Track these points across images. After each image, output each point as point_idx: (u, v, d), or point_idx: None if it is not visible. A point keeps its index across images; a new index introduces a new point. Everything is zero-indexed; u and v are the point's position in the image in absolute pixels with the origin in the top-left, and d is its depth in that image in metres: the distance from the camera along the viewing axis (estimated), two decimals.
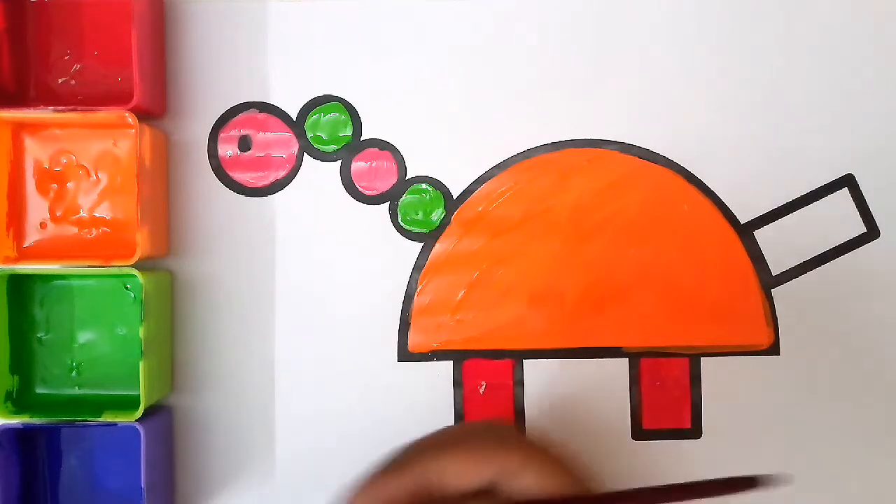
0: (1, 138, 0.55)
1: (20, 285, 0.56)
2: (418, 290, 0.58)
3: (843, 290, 0.59)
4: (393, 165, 0.59)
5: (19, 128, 0.56)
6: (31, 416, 0.54)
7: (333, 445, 0.58)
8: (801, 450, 0.59)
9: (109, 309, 0.57)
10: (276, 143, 0.58)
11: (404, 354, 0.58)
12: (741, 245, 0.59)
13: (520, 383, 0.59)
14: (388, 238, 0.58)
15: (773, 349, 0.59)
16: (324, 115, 0.58)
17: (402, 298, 0.58)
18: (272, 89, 0.58)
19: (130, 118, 0.53)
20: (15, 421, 0.54)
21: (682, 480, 0.59)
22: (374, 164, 0.59)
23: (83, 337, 0.57)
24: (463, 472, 0.43)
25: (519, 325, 0.58)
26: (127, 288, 0.57)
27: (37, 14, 0.57)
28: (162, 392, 0.56)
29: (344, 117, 0.58)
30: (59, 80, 0.57)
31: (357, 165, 0.58)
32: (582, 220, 0.59)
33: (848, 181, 0.59)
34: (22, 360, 0.56)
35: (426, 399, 0.58)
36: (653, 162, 0.59)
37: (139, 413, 0.53)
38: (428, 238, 0.59)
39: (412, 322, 0.58)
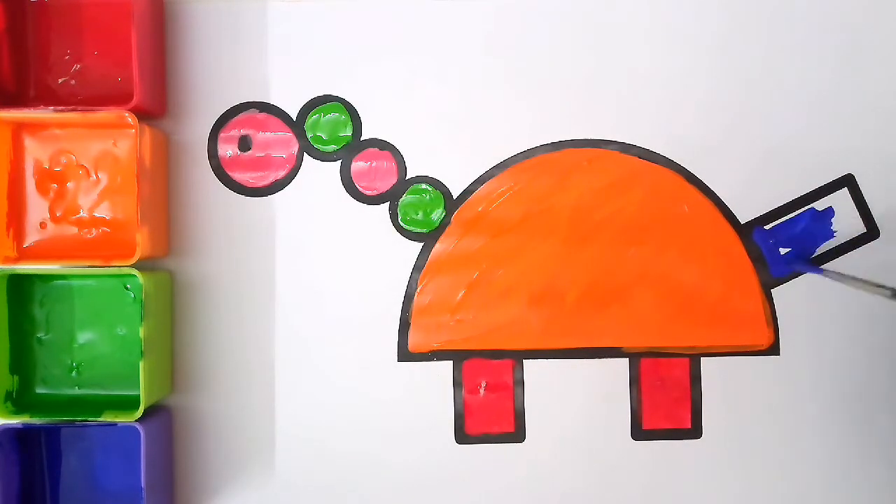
0: (1, 138, 0.55)
1: (20, 285, 0.56)
2: (418, 290, 0.58)
3: (843, 290, 0.59)
4: (393, 165, 0.59)
5: (19, 128, 0.56)
6: (31, 416, 0.54)
7: (333, 445, 0.58)
8: (800, 449, 0.59)
9: (109, 309, 0.57)
10: (276, 143, 0.58)
11: (404, 354, 0.58)
12: (741, 245, 0.59)
13: (520, 383, 0.59)
14: (388, 238, 0.58)
15: (773, 349, 0.59)
16: (324, 115, 0.58)
17: (402, 298, 0.58)
18: (272, 89, 0.58)
19: (130, 118, 0.53)
20: (15, 421, 0.54)
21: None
22: (374, 164, 0.59)
23: (83, 337, 0.57)
24: None
25: (519, 325, 0.58)
26: (127, 288, 0.57)
27: (37, 14, 0.57)
28: (162, 392, 0.56)
29: (344, 117, 0.58)
30: (59, 80, 0.57)
31: (357, 165, 0.58)
32: (582, 220, 0.59)
33: (848, 181, 0.59)
34: (22, 360, 0.56)
35: (426, 399, 0.58)
36: (653, 162, 0.59)
37: (139, 413, 0.53)
38: (428, 238, 0.59)
39: (412, 322, 0.58)
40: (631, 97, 0.59)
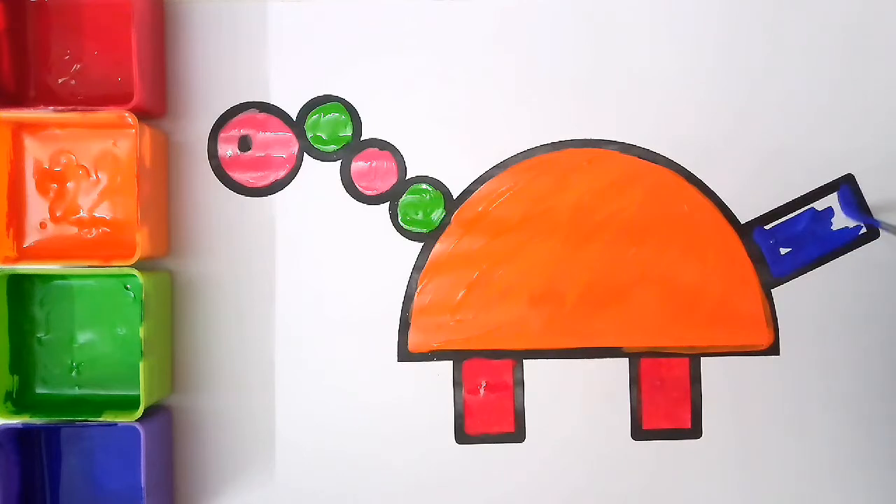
0: (1, 138, 0.55)
1: (20, 285, 0.56)
2: (418, 290, 0.58)
3: (843, 290, 0.59)
4: (393, 165, 0.59)
5: (19, 128, 0.56)
6: (31, 416, 0.54)
7: (333, 445, 0.58)
8: (801, 449, 0.59)
9: (109, 309, 0.57)
10: (276, 143, 0.58)
11: (404, 354, 0.58)
12: (741, 245, 0.59)
13: (520, 383, 0.59)
14: (388, 238, 0.58)
15: (773, 349, 0.59)
16: (324, 115, 0.58)
17: (402, 298, 0.58)
18: (272, 89, 0.58)
19: (130, 118, 0.53)
20: (15, 421, 0.54)
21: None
22: (374, 164, 0.59)
23: (83, 337, 0.57)
24: None
25: (519, 325, 0.58)
26: (127, 288, 0.57)
27: (37, 14, 0.57)
28: (162, 392, 0.56)
29: (344, 117, 0.58)
30: (59, 80, 0.57)
31: (357, 165, 0.58)
32: (582, 220, 0.59)
33: (848, 181, 0.59)
34: (22, 360, 0.56)
35: (426, 399, 0.58)
36: (653, 162, 0.59)
37: (139, 413, 0.53)
38: (428, 238, 0.59)
39: (412, 322, 0.58)
40: (631, 97, 0.59)
